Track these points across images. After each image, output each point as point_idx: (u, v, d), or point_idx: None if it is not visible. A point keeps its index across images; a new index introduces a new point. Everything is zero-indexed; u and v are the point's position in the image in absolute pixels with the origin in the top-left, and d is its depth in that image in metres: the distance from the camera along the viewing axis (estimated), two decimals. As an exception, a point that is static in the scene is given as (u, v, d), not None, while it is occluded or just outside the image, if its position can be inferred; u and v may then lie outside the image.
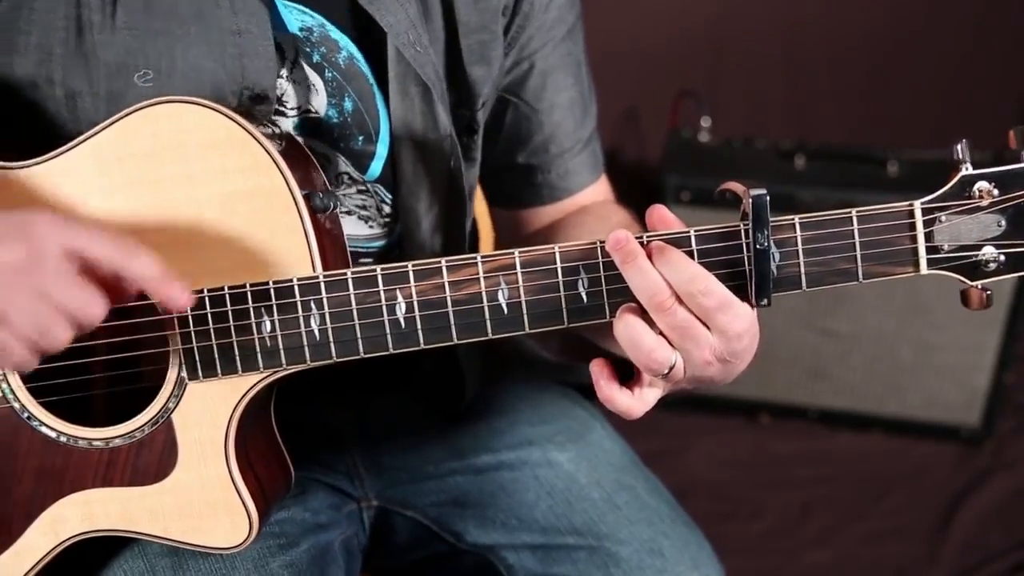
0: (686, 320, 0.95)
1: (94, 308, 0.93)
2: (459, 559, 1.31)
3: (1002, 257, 0.98)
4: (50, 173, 1.02)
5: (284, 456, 1.15)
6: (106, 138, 1.01)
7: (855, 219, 0.97)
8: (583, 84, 1.32)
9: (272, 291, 1.01)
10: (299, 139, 1.14)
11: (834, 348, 2.55)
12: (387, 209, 1.22)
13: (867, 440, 2.62)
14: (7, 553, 1.08)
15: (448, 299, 1.00)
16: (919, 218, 0.96)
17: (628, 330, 0.96)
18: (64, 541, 1.08)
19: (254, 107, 1.09)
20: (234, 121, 1.00)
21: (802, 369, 2.59)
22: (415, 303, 1.00)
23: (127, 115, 1.01)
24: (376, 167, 1.19)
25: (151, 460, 1.06)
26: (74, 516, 1.08)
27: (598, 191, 1.36)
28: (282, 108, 1.13)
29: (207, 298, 1.01)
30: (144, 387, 1.07)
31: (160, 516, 1.07)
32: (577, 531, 1.25)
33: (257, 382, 1.04)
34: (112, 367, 1.07)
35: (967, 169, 0.95)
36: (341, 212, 1.19)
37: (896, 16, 2.83)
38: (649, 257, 0.95)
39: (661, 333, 0.96)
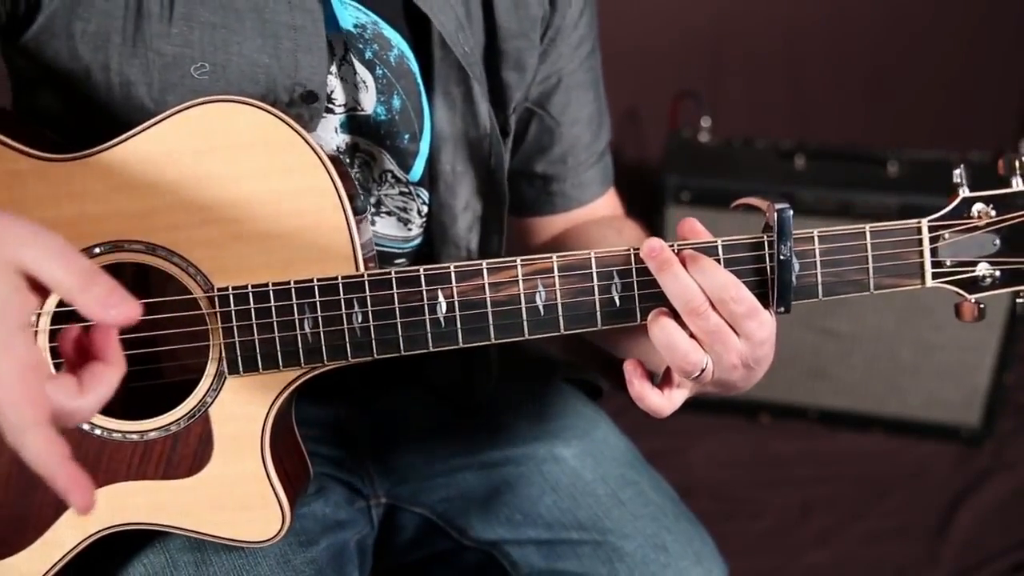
0: (718, 325, 0.99)
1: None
2: (463, 556, 1.32)
3: (997, 273, 1.05)
4: (97, 166, 1.03)
5: (304, 453, 1.16)
6: (155, 135, 1.02)
7: (868, 234, 1.03)
8: (601, 100, 1.35)
9: (316, 288, 1.02)
10: (335, 140, 1.15)
11: (834, 348, 2.56)
12: (426, 210, 1.23)
13: (867, 440, 2.63)
14: (35, 545, 1.08)
15: (488, 300, 1.03)
16: (926, 234, 1.03)
17: (664, 333, 1.00)
18: (92, 535, 1.08)
19: (305, 105, 1.10)
20: (283, 121, 1.01)
21: (802, 369, 2.59)
22: (456, 303, 1.02)
23: (176, 113, 1.02)
24: (419, 167, 1.20)
25: (186, 453, 1.06)
26: (104, 509, 1.07)
27: (607, 203, 1.39)
28: (330, 106, 1.14)
29: (251, 293, 1.02)
30: (176, 381, 1.07)
31: (193, 509, 1.08)
32: (582, 526, 1.26)
33: (296, 378, 1.05)
34: (147, 361, 1.07)
35: (965, 192, 1.03)
36: (382, 212, 1.21)
37: (896, 16, 2.84)
38: (682, 264, 0.99)
39: (693, 337, 1.00)
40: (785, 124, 2.84)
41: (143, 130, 1.02)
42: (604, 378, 1.43)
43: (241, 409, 1.05)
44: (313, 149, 1.02)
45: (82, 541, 1.08)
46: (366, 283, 1.02)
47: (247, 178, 1.02)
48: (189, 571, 1.13)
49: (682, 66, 2.81)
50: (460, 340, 1.03)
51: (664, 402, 1.04)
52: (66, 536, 1.08)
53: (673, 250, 1.00)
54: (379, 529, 1.33)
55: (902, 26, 2.85)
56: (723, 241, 1.02)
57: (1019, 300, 1.06)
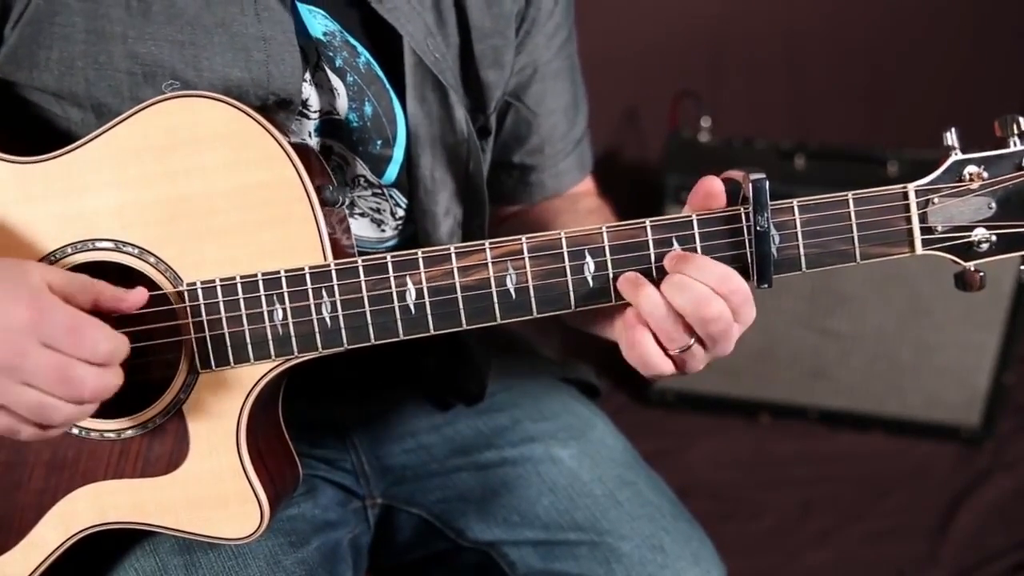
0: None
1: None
2: (461, 556, 1.32)
3: (993, 238, 1.01)
4: (66, 167, 1.03)
5: (292, 452, 1.15)
6: (121, 132, 1.03)
7: (851, 202, 1.01)
8: (577, 87, 1.35)
9: (284, 279, 1.02)
10: (309, 143, 1.15)
11: (834, 348, 2.55)
12: (400, 212, 1.23)
13: (867, 440, 2.62)
14: (18, 547, 1.08)
15: (457, 285, 1.02)
16: (913, 200, 1.00)
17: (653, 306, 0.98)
18: (75, 534, 1.08)
19: (278, 111, 1.10)
20: (246, 114, 1.02)
21: (802, 369, 2.59)
22: (425, 289, 1.02)
23: (141, 110, 1.02)
24: (392, 171, 1.19)
25: (163, 451, 1.07)
26: (85, 509, 1.08)
27: (583, 188, 1.39)
28: (305, 111, 1.14)
29: (219, 287, 1.02)
30: (151, 378, 1.08)
31: (171, 507, 1.08)
32: (579, 527, 1.26)
33: (269, 371, 1.05)
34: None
35: (957, 154, 1.00)
36: (355, 214, 1.20)
37: (897, 16, 2.83)
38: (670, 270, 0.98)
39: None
40: (785, 124, 2.83)
41: (108, 129, 1.03)
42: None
43: (215, 405, 1.06)
44: (277, 141, 1.01)
45: (65, 541, 1.08)
46: (333, 272, 1.02)
47: (213, 172, 1.02)
48: (179, 574, 1.13)
49: (682, 66, 2.80)
50: (431, 327, 1.03)
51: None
52: (49, 536, 1.08)
53: (644, 228, 0.99)
54: (376, 530, 1.33)
55: (902, 27, 2.84)
56: (697, 215, 1.00)
57: (1022, 267, 1.03)
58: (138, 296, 1.00)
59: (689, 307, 0.96)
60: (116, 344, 0.96)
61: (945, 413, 2.58)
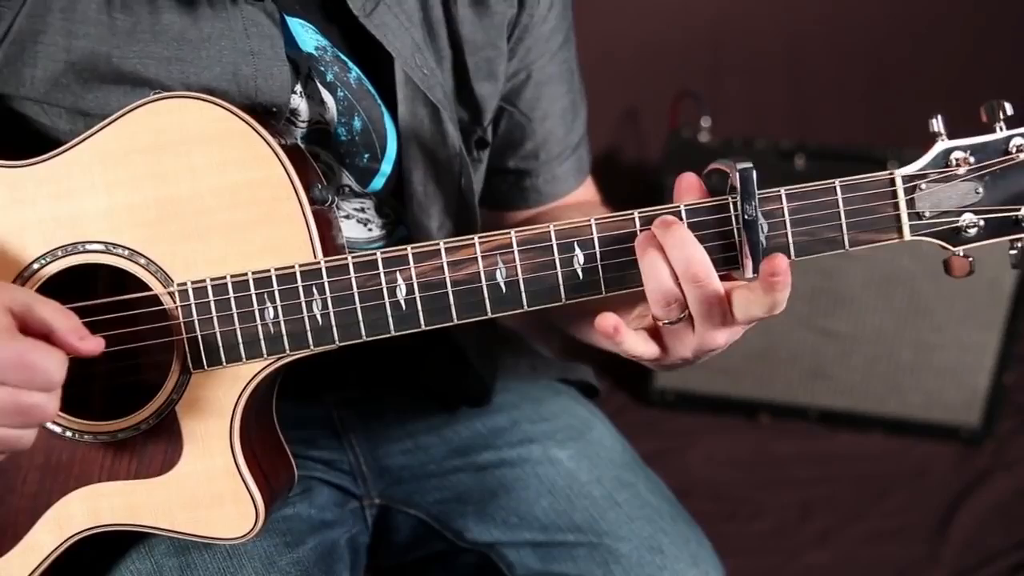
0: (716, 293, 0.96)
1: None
2: (459, 557, 1.32)
3: (981, 222, 1.01)
4: (55, 170, 1.03)
5: (287, 451, 1.15)
6: (109, 135, 1.03)
7: (839, 189, 1.00)
8: (575, 91, 1.33)
9: (274, 278, 1.02)
10: (300, 144, 1.15)
11: (834, 348, 2.55)
12: (386, 209, 1.22)
13: (867, 440, 2.62)
14: (13, 551, 1.08)
15: (447, 280, 1.02)
16: (900, 186, 1.00)
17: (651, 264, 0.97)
18: (70, 537, 1.08)
19: (266, 117, 1.10)
20: (234, 114, 1.02)
21: (802, 369, 2.59)
22: (415, 285, 1.02)
23: (129, 112, 1.02)
24: (378, 183, 1.19)
25: (156, 452, 1.07)
26: (80, 512, 1.08)
27: (584, 194, 1.37)
28: (293, 120, 1.14)
29: (209, 287, 1.02)
30: (145, 380, 1.08)
31: (166, 508, 1.08)
32: (577, 528, 1.26)
33: (261, 370, 1.05)
34: (114, 360, 1.07)
35: (943, 140, 0.99)
36: (340, 216, 1.20)
37: (897, 16, 2.83)
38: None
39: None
40: (785, 124, 2.83)
41: (96, 131, 1.03)
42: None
43: (208, 405, 1.06)
44: (265, 140, 1.02)
45: (61, 544, 1.08)
46: (323, 270, 1.02)
47: (202, 172, 1.02)
48: (174, 575, 1.12)
49: (682, 66, 2.80)
50: (422, 322, 1.03)
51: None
52: (45, 540, 1.08)
53: (632, 218, 0.99)
54: (374, 530, 1.33)
55: (902, 26, 2.84)
56: (685, 205, 1.00)
57: (1012, 252, 1.02)
58: (93, 345, 0.95)
59: (681, 265, 0.96)
60: (64, 368, 0.93)
61: (945, 413, 2.58)
